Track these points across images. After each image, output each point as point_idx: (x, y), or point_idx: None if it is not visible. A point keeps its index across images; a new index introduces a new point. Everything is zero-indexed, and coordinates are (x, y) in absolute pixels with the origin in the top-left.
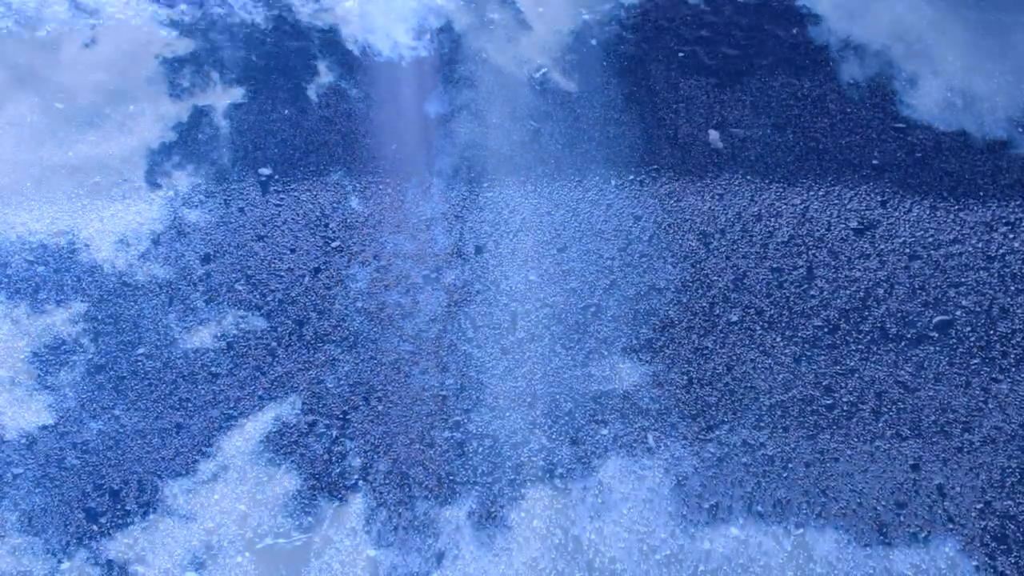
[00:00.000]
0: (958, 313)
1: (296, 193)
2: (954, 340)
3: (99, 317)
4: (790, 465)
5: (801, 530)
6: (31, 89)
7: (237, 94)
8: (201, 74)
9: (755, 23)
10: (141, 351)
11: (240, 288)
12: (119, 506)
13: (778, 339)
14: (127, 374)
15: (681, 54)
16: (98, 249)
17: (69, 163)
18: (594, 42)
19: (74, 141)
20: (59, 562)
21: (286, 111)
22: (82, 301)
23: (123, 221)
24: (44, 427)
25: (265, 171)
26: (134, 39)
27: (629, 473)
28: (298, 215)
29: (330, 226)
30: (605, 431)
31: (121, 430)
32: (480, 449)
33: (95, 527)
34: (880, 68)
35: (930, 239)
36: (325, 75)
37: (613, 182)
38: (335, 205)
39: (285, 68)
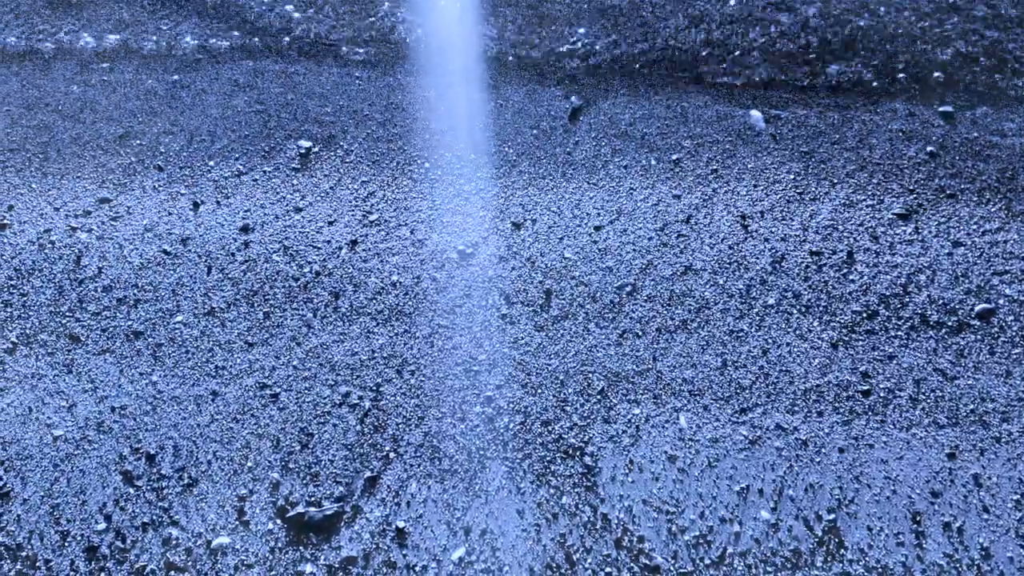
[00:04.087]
0: (1001, 302)
1: (338, 170)
2: (996, 329)
3: (139, 285)
4: (824, 450)
5: (833, 516)
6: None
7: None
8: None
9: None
10: (179, 319)
11: (277, 259)
12: (155, 470)
13: (815, 323)
14: (165, 342)
15: None
16: (140, 219)
17: (109, 139)
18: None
19: (113, 118)
20: (96, 523)
21: (323, 89)
22: (120, 271)
23: (162, 195)
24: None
25: (305, 144)
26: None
27: (661, 452)
28: (338, 190)
29: (369, 200)
30: (638, 411)
31: (158, 396)
32: (511, 425)
33: (131, 490)
34: None
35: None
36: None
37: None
38: (373, 182)
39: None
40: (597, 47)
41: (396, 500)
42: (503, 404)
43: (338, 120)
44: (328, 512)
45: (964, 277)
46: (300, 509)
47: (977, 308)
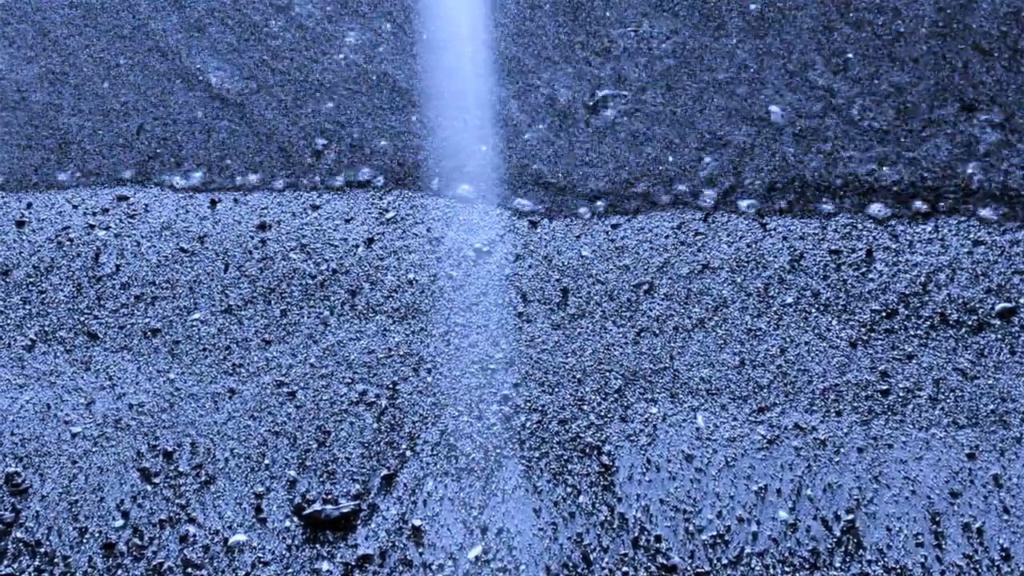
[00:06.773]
0: (1022, 301)
1: (354, 166)
2: (1017, 328)
3: (157, 282)
4: (842, 450)
5: (851, 516)
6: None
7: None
8: None
9: None
10: (196, 316)
11: (294, 257)
12: (172, 467)
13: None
14: (182, 339)
15: None
16: (157, 215)
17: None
18: None
19: (137, 109)
20: (113, 520)
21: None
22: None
23: (182, 191)
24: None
25: (321, 141)
26: None
27: (678, 451)
28: (353, 188)
29: (385, 199)
30: (655, 410)
31: (176, 393)
32: (528, 423)
33: (149, 487)
34: None
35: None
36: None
37: None
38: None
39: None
40: (619, 44)
41: (413, 498)
42: (520, 402)
43: (355, 116)
44: (345, 510)
45: (984, 276)
46: (317, 507)
47: (998, 307)
